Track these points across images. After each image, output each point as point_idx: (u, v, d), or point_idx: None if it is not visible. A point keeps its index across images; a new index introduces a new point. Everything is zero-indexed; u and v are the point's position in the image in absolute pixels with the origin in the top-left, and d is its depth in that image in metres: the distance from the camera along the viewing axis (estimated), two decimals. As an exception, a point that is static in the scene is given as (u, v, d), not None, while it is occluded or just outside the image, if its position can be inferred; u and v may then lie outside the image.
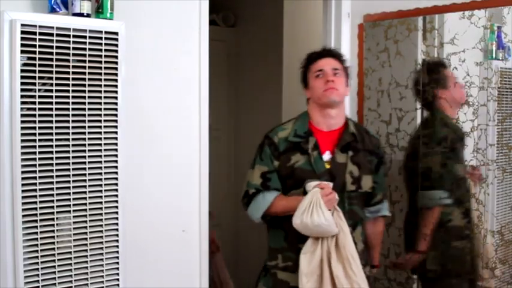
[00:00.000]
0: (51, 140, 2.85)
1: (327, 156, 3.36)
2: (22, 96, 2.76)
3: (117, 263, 3.11)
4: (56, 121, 2.86)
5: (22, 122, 2.77)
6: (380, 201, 3.59)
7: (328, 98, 3.35)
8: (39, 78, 2.81)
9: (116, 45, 3.03)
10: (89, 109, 2.96)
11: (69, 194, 2.92)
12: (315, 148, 3.35)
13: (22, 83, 2.76)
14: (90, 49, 2.94)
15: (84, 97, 2.94)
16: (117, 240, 3.10)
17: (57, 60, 2.84)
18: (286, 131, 3.42)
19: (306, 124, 3.41)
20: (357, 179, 3.36)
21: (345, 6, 4.39)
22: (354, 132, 3.42)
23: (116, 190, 3.08)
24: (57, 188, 2.88)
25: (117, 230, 3.09)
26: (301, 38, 5.54)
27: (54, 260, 2.89)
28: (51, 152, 2.86)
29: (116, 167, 3.08)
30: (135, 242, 3.29)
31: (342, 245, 3.18)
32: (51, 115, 2.84)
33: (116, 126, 3.06)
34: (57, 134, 2.87)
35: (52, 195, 2.87)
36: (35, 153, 2.81)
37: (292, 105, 5.30)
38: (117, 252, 3.10)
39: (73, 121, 2.91)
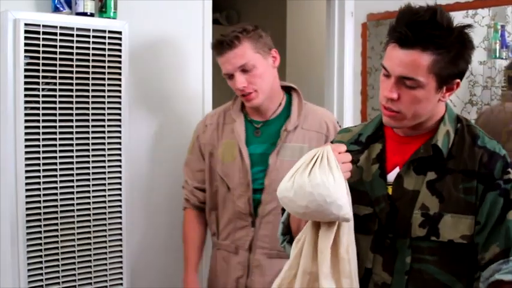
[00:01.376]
0: (55, 139, 2.85)
1: (393, 175, 2.12)
2: (26, 96, 2.76)
3: (121, 262, 3.11)
4: (60, 120, 2.86)
5: (26, 121, 2.77)
6: (498, 255, 1.99)
7: (386, 124, 2.12)
8: (43, 77, 2.81)
9: (120, 44, 3.02)
10: (93, 108, 2.96)
11: (72, 193, 2.92)
12: (378, 160, 2.15)
13: (26, 83, 2.76)
14: (93, 48, 2.94)
15: (87, 96, 2.94)
16: (120, 240, 3.10)
17: (60, 59, 2.84)
18: (348, 134, 2.31)
19: (379, 125, 2.21)
20: (432, 218, 2.02)
21: (348, 5, 4.40)
22: (445, 142, 2.07)
23: (120, 189, 3.08)
24: (60, 187, 2.88)
25: (120, 229, 3.10)
26: (305, 36, 5.55)
27: (58, 259, 2.89)
28: (55, 151, 2.86)
29: (120, 166, 3.08)
30: (139, 241, 3.30)
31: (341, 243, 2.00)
32: (54, 114, 2.84)
33: (119, 126, 3.06)
34: (60, 133, 2.87)
35: (56, 194, 2.87)
36: (38, 152, 2.81)
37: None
38: (121, 251, 3.11)
39: (76, 120, 2.91)
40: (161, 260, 3.46)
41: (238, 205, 2.97)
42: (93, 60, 2.94)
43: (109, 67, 2.99)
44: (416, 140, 2.11)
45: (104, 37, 2.97)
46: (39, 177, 2.82)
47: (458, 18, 2.03)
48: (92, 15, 2.98)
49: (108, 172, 3.04)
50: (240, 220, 2.99)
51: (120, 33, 3.02)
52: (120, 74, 3.03)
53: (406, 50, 1.95)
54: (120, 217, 3.09)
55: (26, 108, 2.76)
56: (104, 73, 2.98)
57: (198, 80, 3.59)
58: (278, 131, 2.96)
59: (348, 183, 2.01)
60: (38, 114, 2.80)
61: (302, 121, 2.97)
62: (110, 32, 2.99)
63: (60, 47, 2.83)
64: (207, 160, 3.09)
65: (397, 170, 2.10)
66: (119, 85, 3.04)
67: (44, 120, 2.82)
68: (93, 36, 2.94)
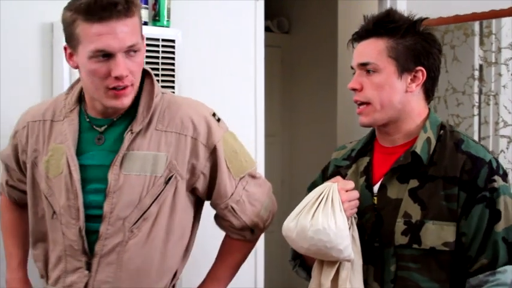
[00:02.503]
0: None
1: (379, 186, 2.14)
2: (81, 104, 2.77)
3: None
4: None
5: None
6: (485, 267, 1.99)
7: (360, 124, 2.17)
8: (98, 85, 2.81)
9: (173, 52, 3.06)
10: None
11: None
12: (365, 173, 2.17)
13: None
14: (147, 56, 2.96)
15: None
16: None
17: (115, 67, 2.85)
18: (343, 151, 2.34)
19: (368, 139, 2.26)
20: (414, 226, 2.03)
21: (401, 8, 4.36)
22: (425, 148, 2.07)
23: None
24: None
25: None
26: (356, 43, 5.51)
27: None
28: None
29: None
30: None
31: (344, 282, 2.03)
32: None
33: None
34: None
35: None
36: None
37: (348, 111, 5.28)
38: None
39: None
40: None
41: (68, 237, 2.11)
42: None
43: (162, 75, 3.03)
44: (400, 149, 2.13)
45: (158, 45, 3.00)
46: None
47: None
48: (145, 23, 3.01)
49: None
50: (72, 259, 2.12)
51: (173, 41, 3.05)
52: (173, 82, 3.06)
53: (363, 41, 2.13)
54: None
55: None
56: (157, 80, 2.99)
57: (250, 88, 3.60)
58: (121, 134, 2.10)
59: None
60: (93, 122, 2.81)
61: (156, 119, 2.12)
62: (163, 40, 3.02)
63: (115, 55, 2.86)
64: (29, 172, 2.21)
65: (382, 180, 2.14)
66: (173, 92, 3.06)
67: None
68: (147, 45, 2.96)
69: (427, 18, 2.20)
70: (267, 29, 5.34)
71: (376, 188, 2.13)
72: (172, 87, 3.06)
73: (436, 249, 2.00)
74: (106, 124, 2.10)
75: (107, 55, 1.93)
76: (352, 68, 2.17)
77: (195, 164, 2.14)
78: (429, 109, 2.17)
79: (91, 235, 2.07)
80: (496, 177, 2.01)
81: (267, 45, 3.71)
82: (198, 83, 3.35)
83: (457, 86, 4.19)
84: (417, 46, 2.08)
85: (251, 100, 3.60)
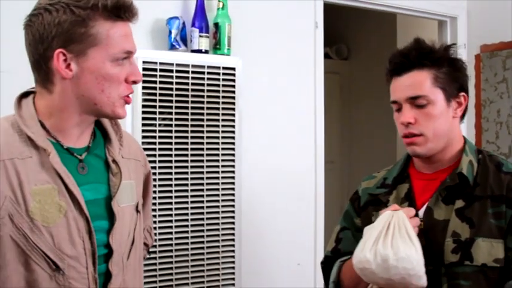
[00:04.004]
0: (171, 173, 2.92)
1: (423, 211, 2.13)
2: (143, 131, 2.86)
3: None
4: (175, 155, 2.93)
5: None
6: None
7: (411, 153, 2.16)
8: (160, 113, 2.89)
9: (233, 80, 3.09)
10: (207, 143, 3.02)
11: (187, 226, 2.98)
12: (407, 199, 2.16)
13: (143, 118, 2.86)
14: (208, 84, 3.01)
15: (202, 131, 3.00)
16: (233, 273, 3.13)
17: (176, 95, 2.92)
18: (374, 180, 2.32)
19: (403, 166, 2.25)
20: (464, 244, 2.03)
21: (461, 37, 4.33)
22: (469, 170, 2.10)
23: (233, 223, 3.13)
24: (175, 221, 2.95)
25: (233, 262, 3.13)
26: (416, 69, 5.48)
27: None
28: (170, 185, 2.93)
29: (233, 200, 3.13)
30: (250, 274, 3.32)
31: None
32: (170, 149, 2.92)
33: (233, 160, 3.11)
34: (176, 167, 2.94)
35: (171, 227, 2.94)
36: (155, 186, 2.88)
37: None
38: (233, 285, 3.14)
39: (192, 155, 2.98)
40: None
41: None
42: (208, 96, 3.00)
43: (223, 102, 3.06)
44: (441, 174, 2.14)
45: (218, 73, 3.04)
46: (154, 210, 2.88)
47: None
48: (206, 52, 3.05)
49: (222, 205, 3.11)
50: None
51: (233, 69, 3.08)
52: (233, 109, 3.09)
53: (406, 74, 2.09)
54: (233, 250, 3.14)
55: (143, 143, 2.85)
56: (218, 108, 3.04)
57: (310, 114, 3.61)
58: (100, 165, 1.83)
59: None
60: (154, 149, 2.88)
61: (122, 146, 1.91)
62: (224, 68, 3.06)
63: (176, 83, 2.92)
64: (5, 230, 1.66)
65: (428, 203, 2.12)
66: (233, 120, 3.09)
67: (160, 155, 2.90)
68: (208, 73, 3.01)
69: (455, 44, 2.22)
70: (326, 55, 5.35)
71: (421, 212, 2.11)
72: (233, 115, 3.09)
73: (488, 266, 2.01)
74: (84, 151, 1.80)
75: (126, 58, 1.73)
76: (394, 102, 2.13)
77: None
78: (464, 137, 2.21)
79: (100, 280, 1.79)
80: None
81: (326, 72, 3.72)
82: (258, 110, 3.37)
83: (520, 111, 4.14)
84: (456, 72, 2.11)
85: (311, 126, 3.60)
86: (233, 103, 3.09)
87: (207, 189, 3.04)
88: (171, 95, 2.91)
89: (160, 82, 2.88)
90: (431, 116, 2.07)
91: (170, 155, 2.92)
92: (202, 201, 3.03)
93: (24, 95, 1.79)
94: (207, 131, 3.02)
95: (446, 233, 2.05)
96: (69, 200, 1.70)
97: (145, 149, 2.81)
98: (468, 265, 2.01)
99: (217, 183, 3.07)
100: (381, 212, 2.03)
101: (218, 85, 3.04)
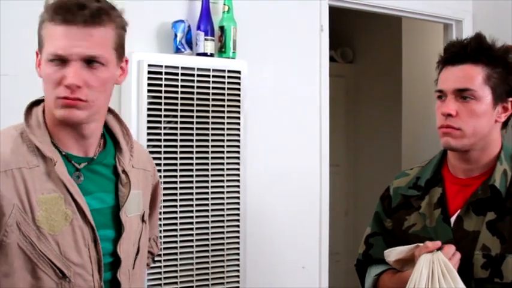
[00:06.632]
0: (176, 176, 2.93)
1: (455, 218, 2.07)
2: (148, 134, 2.86)
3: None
4: (181, 158, 2.93)
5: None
6: None
7: (444, 144, 2.07)
8: (165, 116, 2.90)
9: (239, 83, 3.09)
10: (212, 146, 3.03)
11: (192, 229, 2.98)
12: (439, 205, 2.09)
13: (149, 121, 2.86)
14: (213, 87, 3.01)
15: (207, 134, 3.01)
16: (238, 276, 3.14)
17: (182, 98, 2.93)
18: (406, 179, 2.24)
19: (436, 167, 2.17)
20: (495, 260, 1.97)
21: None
22: (503, 181, 2.02)
23: (238, 226, 3.13)
24: (180, 223, 2.95)
25: (238, 265, 3.14)
26: (421, 72, 5.47)
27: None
28: (175, 188, 2.93)
29: (238, 203, 3.13)
30: (256, 278, 3.32)
31: None
32: (175, 152, 2.92)
33: (238, 163, 3.11)
34: (181, 170, 2.94)
35: (176, 230, 2.95)
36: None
37: (412, 140, 5.24)
38: (238, 287, 3.14)
39: (197, 158, 2.99)
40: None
41: None
42: (213, 99, 3.01)
43: (228, 105, 3.06)
44: (475, 181, 2.07)
45: (224, 76, 3.04)
46: (160, 213, 2.88)
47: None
48: (211, 55, 3.06)
49: (227, 209, 3.11)
50: None
51: (239, 72, 3.09)
52: (239, 112, 3.09)
53: (459, 66, 2.02)
54: (238, 253, 3.14)
55: (148, 146, 2.85)
56: (223, 111, 3.05)
57: (315, 118, 3.61)
58: (109, 175, 1.86)
59: (413, 232, 2.09)
60: (159, 152, 2.88)
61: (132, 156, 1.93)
62: (229, 71, 3.06)
63: (182, 86, 2.93)
64: (12, 237, 1.69)
65: (458, 212, 2.06)
66: (238, 123, 3.10)
67: (165, 158, 2.90)
68: (213, 76, 3.01)
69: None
70: (331, 59, 5.35)
71: (452, 220, 2.06)
72: (238, 118, 3.09)
73: None
74: (85, 161, 1.81)
75: (63, 61, 1.69)
76: (439, 91, 2.06)
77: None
78: (502, 141, 2.11)
79: None
80: None
81: (331, 75, 3.72)
82: (263, 113, 3.37)
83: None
84: (510, 76, 2.03)
85: (316, 130, 3.60)
86: (238, 106, 3.09)
87: (212, 192, 3.04)
88: (176, 98, 2.91)
89: (166, 85, 2.89)
90: (474, 112, 2.00)
91: (175, 158, 2.92)
92: (207, 204, 3.03)
93: (36, 102, 1.83)
94: (212, 134, 3.02)
95: (476, 245, 1.99)
96: (75, 209, 1.73)
97: (150, 152, 2.82)
98: (498, 282, 1.95)
99: (222, 186, 3.07)
100: (418, 252, 1.96)
101: (223, 88, 3.04)
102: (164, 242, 2.91)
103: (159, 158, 2.87)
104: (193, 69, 2.95)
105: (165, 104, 2.89)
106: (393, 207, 2.21)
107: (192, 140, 2.96)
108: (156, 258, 2.84)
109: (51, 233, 1.71)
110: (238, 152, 3.11)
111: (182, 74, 2.92)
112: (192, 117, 2.96)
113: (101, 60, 1.71)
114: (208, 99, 3.00)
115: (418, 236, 2.07)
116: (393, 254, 2.04)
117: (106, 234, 1.79)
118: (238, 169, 3.11)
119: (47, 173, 1.73)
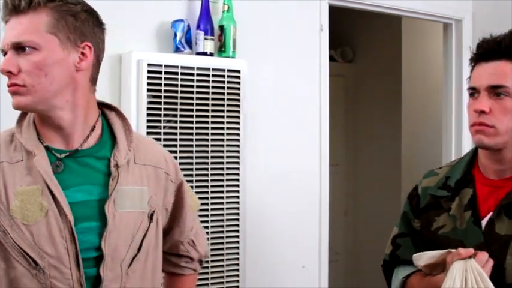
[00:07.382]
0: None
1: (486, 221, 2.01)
2: (148, 133, 2.85)
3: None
4: (180, 157, 2.93)
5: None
6: None
7: (477, 142, 2.00)
8: (165, 115, 2.90)
9: (238, 82, 3.09)
10: (212, 146, 3.03)
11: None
12: (470, 207, 2.02)
13: (148, 120, 2.86)
14: (213, 87, 3.01)
15: (207, 134, 3.01)
16: (237, 275, 3.14)
17: (181, 97, 2.93)
18: (435, 178, 2.17)
19: (467, 167, 2.11)
20: None
21: (466, 40, 4.32)
22: None
23: (237, 226, 3.13)
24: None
25: (238, 265, 3.14)
26: (421, 72, 5.48)
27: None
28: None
29: (238, 203, 3.13)
30: (255, 277, 3.32)
31: None
32: (175, 152, 2.91)
33: (238, 163, 3.11)
34: (181, 170, 2.93)
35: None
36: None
37: (412, 140, 5.24)
38: (238, 287, 3.14)
39: (196, 157, 2.99)
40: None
41: None
42: (213, 98, 3.01)
43: (228, 104, 3.06)
44: (507, 183, 2.00)
45: (223, 76, 3.04)
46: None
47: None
48: (211, 54, 3.06)
49: (227, 208, 3.11)
50: None
51: (238, 71, 3.09)
52: (238, 111, 3.10)
53: (493, 62, 1.96)
54: (238, 252, 3.14)
55: (148, 145, 2.84)
56: (223, 110, 3.05)
57: (315, 117, 3.61)
58: (101, 168, 1.86)
59: (442, 233, 2.02)
60: (159, 152, 2.88)
61: (134, 152, 1.93)
62: (229, 70, 3.06)
63: (181, 86, 2.93)
64: None
65: (490, 215, 1.99)
66: (238, 123, 3.10)
67: (165, 157, 2.89)
68: (213, 75, 3.01)
69: None
70: (331, 58, 5.35)
71: (483, 222, 1.99)
72: (238, 117, 3.09)
73: None
74: (66, 152, 1.82)
75: (6, 53, 1.75)
76: (472, 88, 2.00)
77: (164, 198, 2.01)
78: None
79: (86, 283, 1.77)
80: None
81: (331, 75, 3.72)
82: (263, 112, 3.37)
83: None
84: None
85: (316, 129, 3.61)
86: (238, 106, 3.09)
87: (212, 192, 3.04)
88: (176, 98, 2.91)
89: (165, 85, 2.89)
90: (508, 110, 1.94)
91: (175, 158, 2.91)
92: (207, 204, 3.03)
93: None
94: (212, 134, 3.02)
95: (508, 249, 1.92)
96: (51, 200, 1.74)
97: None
98: None
99: (222, 186, 3.07)
100: (450, 258, 1.92)
101: (223, 88, 3.04)
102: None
103: (159, 158, 2.87)
104: (193, 68, 2.95)
105: (165, 103, 2.89)
106: (422, 207, 2.14)
107: (191, 140, 2.96)
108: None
109: (25, 223, 1.74)
110: (238, 152, 3.11)
111: (182, 74, 2.92)
112: (191, 116, 2.96)
113: (30, 45, 1.72)
114: (208, 99, 2.99)
115: (448, 238, 2.01)
116: (423, 258, 2.00)
117: (90, 226, 1.78)
118: (238, 169, 3.11)
119: (29, 167, 1.77)
